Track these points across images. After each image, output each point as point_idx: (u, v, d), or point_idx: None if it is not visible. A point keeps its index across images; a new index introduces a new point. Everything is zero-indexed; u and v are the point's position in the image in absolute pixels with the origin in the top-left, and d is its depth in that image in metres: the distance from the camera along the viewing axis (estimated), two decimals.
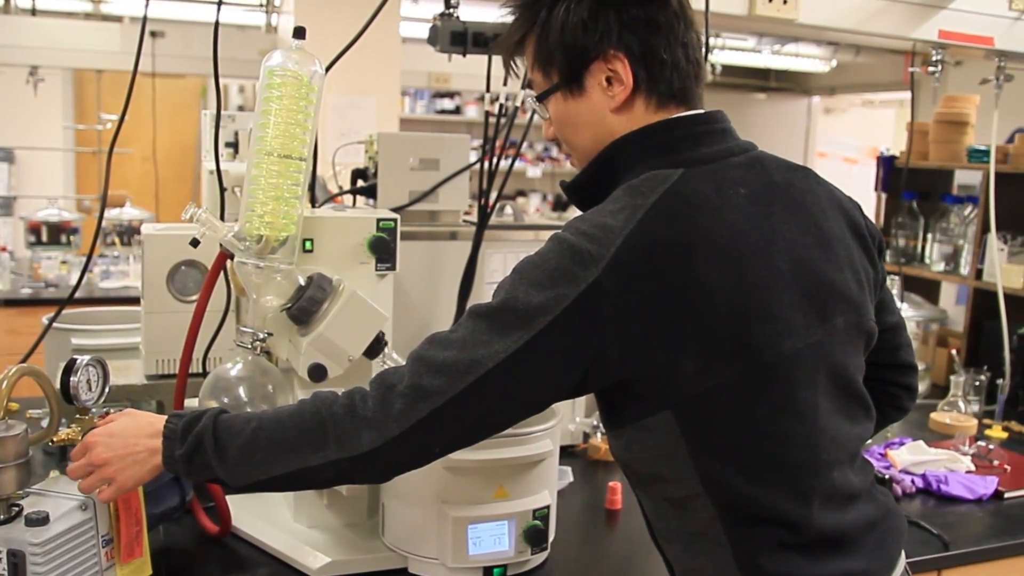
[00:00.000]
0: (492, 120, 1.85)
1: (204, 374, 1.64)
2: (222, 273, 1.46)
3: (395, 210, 1.81)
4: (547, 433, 1.46)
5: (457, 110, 7.02)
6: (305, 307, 1.36)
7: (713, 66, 4.12)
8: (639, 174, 1.13)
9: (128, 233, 4.10)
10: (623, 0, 1.15)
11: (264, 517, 1.57)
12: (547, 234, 1.96)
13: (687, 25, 1.18)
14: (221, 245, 1.37)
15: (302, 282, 1.38)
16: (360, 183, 1.91)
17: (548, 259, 1.07)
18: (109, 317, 2.15)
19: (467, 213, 1.99)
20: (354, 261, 1.48)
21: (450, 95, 6.94)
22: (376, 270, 1.49)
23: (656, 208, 1.07)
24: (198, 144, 6.81)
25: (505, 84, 1.80)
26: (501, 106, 1.81)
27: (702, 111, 1.19)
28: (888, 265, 2.64)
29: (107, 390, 1.35)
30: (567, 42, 1.17)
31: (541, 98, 1.23)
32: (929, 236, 2.93)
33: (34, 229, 4.09)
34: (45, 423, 1.54)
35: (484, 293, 1.85)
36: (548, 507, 1.45)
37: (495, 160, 1.82)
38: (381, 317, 1.41)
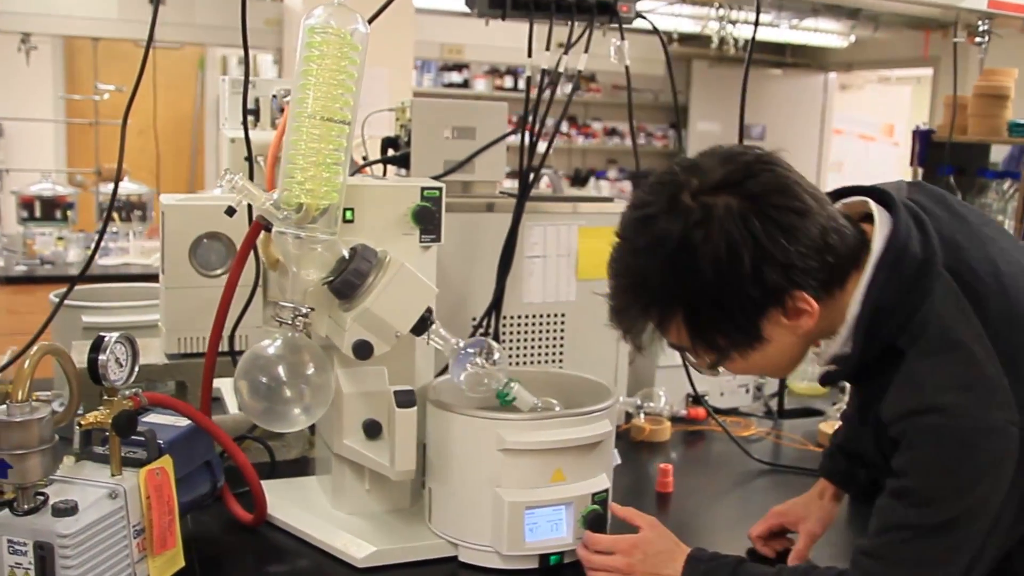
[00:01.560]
0: (527, 92, 1.75)
1: (230, 353, 1.56)
2: None
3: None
4: (605, 413, 1.37)
5: (465, 83, 6.87)
6: (350, 280, 1.27)
7: (735, 40, 4.03)
8: (908, 309, 1.07)
9: (127, 208, 3.97)
10: (767, 231, 1.03)
11: (300, 504, 1.48)
12: (588, 206, 1.90)
13: (806, 190, 1.07)
14: (259, 215, 1.28)
15: (345, 254, 1.29)
16: (391, 152, 1.81)
17: (963, 454, 1.02)
18: (120, 294, 2.06)
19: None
20: (397, 232, 1.39)
21: (458, 68, 6.78)
22: (420, 242, 1.41)
23: (989, 321, 1.04)
24: (195, 117, 6.68)
25: (549, 48, 1.70)
26: (543, 72, 1.71)
27: (888, 225, 1.10)
28: None
29: (136, 369, 1.25)
30: (733, 312, 1.07)
31: (714, 366, 1.15)
32: None
33: (27, 204, 3.94)
34: (56, 405, 1.45)
35: (524, 268, 1.76)
36: (607, 490, 1.37)
37: (538, 128, 1.72)
38: (430, 291, 1.33)
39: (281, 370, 1.29)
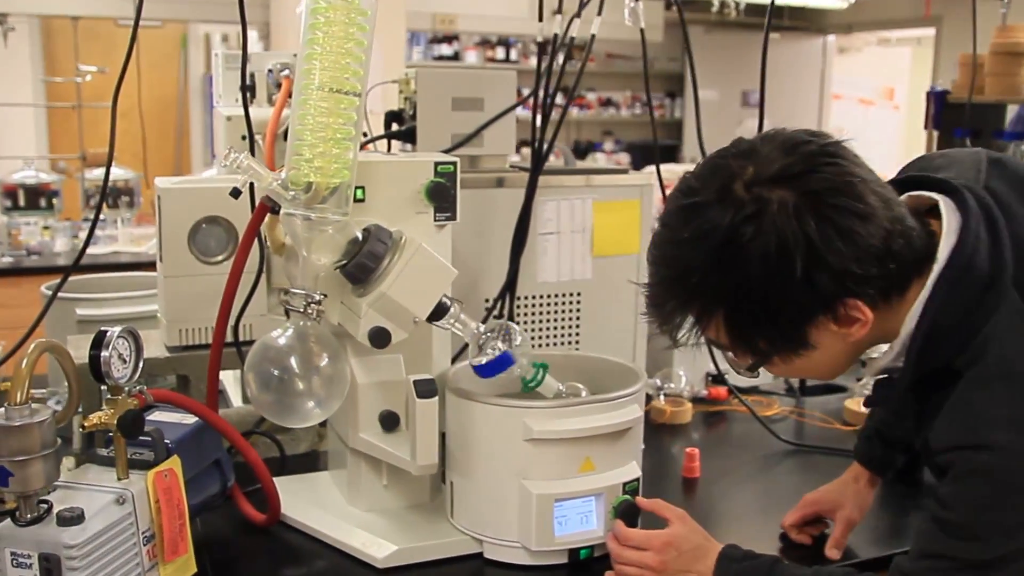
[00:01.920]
0: (538, 59, 1.67)
1: (235, 344, 1.48)
2: None
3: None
4: (634, 398, 1.31)
5: (456, 56, 6.72)
6: (364, 263, 1.20)
7: (738, 3, 3.94)
8: (968, 328, 0.99)
9: (114, 195, 3.85)
10: (824, 233, 0.94)
11: (314, 501, 1.41)
12: (602, 179, 1.82)
13: (873, 189, 0.98)
14: (264, 196, 1.21)
15: (358, 235, 1.21)
16: (395, 127, 1.73)
17: (1013, 497, 0.95)
18: (115, 284, 1.97)
19: None
20: (410, 210, 1.31)
21: (448, 40, 6.63)
22: (435, 220, 1.33)
23: None
24: (179, 97, 6.53)
25: (559, 11, 1.61)
26: (555, 37, 1.62)
27: (955, 234, 1.01)
28: None
29: (140, 365, 1.18)
30: (778, 316, 0.99)
31: (753, 368, 1.08)
32: None
33: (10, 193, 3.82)
34: (52, 403, 1.38)
35: (537, 245, 1.68)
36: (639, 480, 1.30)
37: (549, 98, 1.63)
38: (449, 272, 1.26)
39: (293, 361, 1.21)
